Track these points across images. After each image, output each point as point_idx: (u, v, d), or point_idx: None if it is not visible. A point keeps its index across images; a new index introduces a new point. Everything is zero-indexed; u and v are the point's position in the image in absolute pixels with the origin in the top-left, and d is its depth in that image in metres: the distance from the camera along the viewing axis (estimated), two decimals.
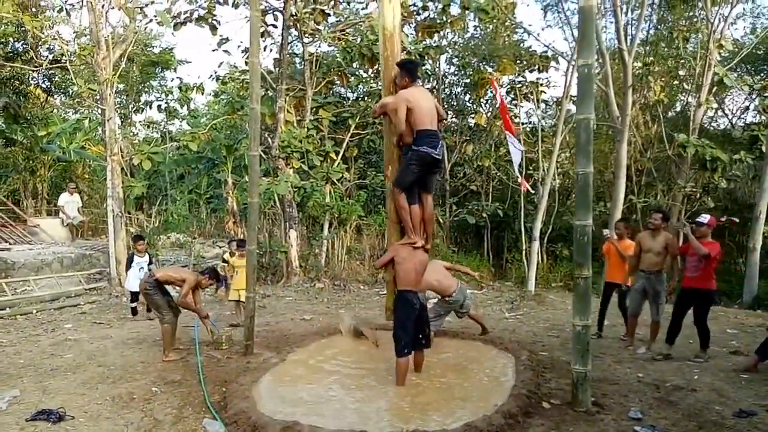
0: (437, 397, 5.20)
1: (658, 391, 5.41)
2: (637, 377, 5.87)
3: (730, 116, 18.96)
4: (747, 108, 18.57)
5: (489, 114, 16.81)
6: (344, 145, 14.62)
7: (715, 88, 14.81)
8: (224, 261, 9.03)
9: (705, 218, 6.50)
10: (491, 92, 15.73)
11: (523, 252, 13.75)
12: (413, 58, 8.38)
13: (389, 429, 4.25)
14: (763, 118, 14.17)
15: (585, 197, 4.87)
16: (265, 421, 4.32)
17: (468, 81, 17.02)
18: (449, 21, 13.73)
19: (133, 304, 8.92)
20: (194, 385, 5.41)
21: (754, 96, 17.11)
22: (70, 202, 14.96)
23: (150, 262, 8.95)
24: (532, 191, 13.63)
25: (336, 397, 5.19)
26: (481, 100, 17.14)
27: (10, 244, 12.94)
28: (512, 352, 6.49)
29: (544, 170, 13.93)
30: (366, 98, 16.05)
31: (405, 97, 5.33)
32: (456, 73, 17.80)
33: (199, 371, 5.62)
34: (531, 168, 15.29)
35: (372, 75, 15.92)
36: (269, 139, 13.08)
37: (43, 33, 14.76)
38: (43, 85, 19.55)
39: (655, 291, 6.89)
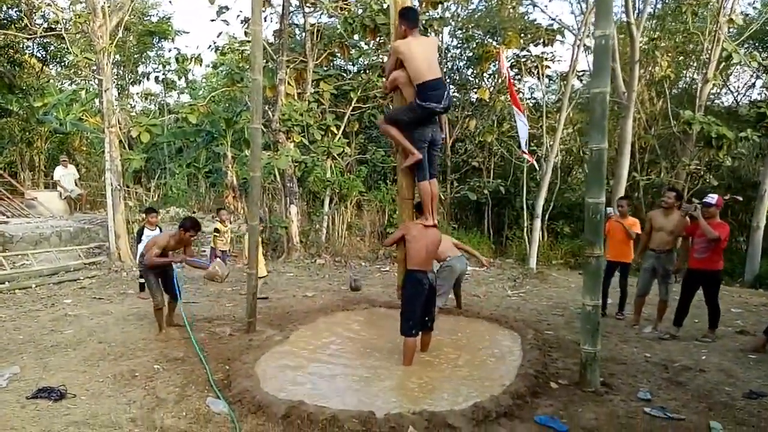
0: (444, 376, 5.13)
1: (667, 371, 5.36)
2: (644, 357, 5.82)
3: (735, 93, 18.73)
4: (753, 85, 18.34)
5: (492, 89, 16.54)
6: (345, 119, 14.39)
7: (722, 64, 14.54)
8: (216, 231, 8.83)
9: (713, 198, 6.33)
10: (495, 66, 15.44)
11: (524, 229, 13.63)
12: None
13: (396, 409, 4.17)
14: None
15: (598, 174, 4.74)
16: (270, 400, 4.25)
17: (471, 54, 16.70)
18: None
19: (142, 279, 8.78)
20: (197, 363, 5.33)
21: (761, 72, 16.84)
22: (65, 175, 14.76)
23: None
24: (537, 167, 13.47)
25: (341, 376, 5.11)
26: (485, 74, 16.85)
27: (7, 217, 12.79)
28: (518, 331, 6.43)
29: (547, 147, 13.73)
30: (367, 71, 15.76)
31: (397, 49, 5.17)
32: (459, 46, 17.47)
33: (197, 350, 5.54)
34: (533, 144, 15.10)
35: (374, 47, 15.60)
36: (269, 112, 12.84)
37: None
38: (39, 55, 19.24)
39: (664, 270, 6.81)
